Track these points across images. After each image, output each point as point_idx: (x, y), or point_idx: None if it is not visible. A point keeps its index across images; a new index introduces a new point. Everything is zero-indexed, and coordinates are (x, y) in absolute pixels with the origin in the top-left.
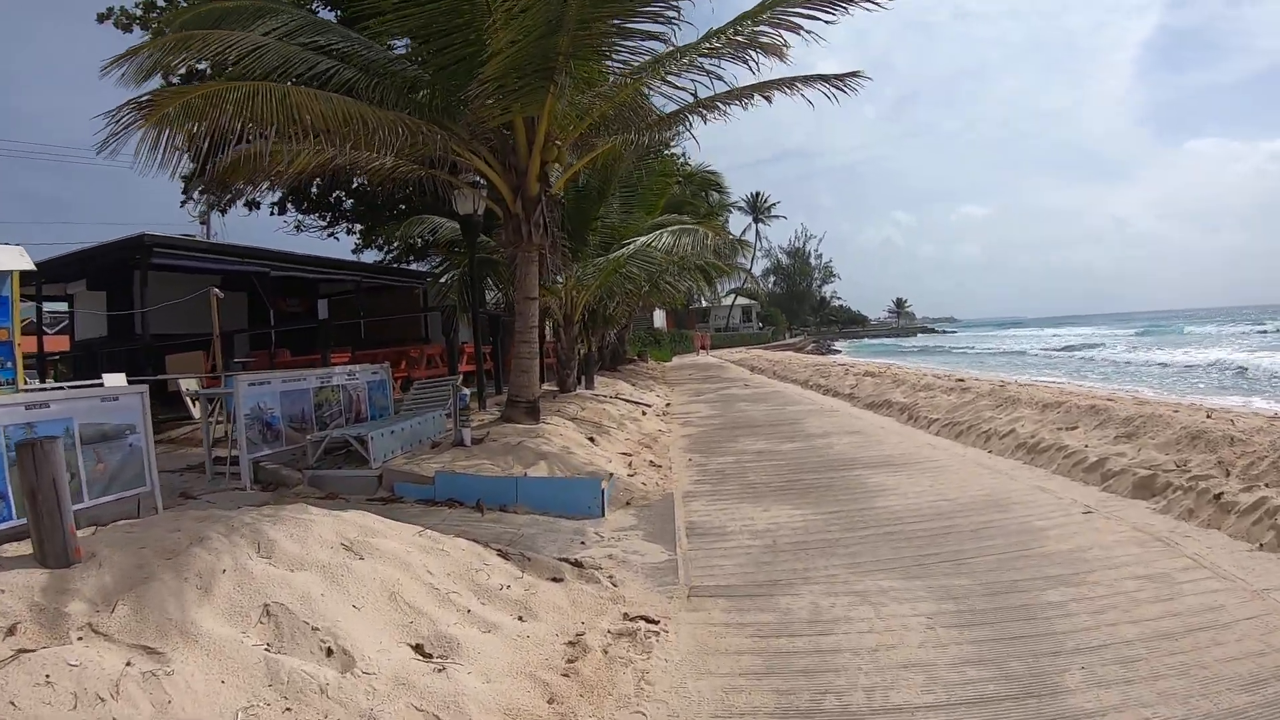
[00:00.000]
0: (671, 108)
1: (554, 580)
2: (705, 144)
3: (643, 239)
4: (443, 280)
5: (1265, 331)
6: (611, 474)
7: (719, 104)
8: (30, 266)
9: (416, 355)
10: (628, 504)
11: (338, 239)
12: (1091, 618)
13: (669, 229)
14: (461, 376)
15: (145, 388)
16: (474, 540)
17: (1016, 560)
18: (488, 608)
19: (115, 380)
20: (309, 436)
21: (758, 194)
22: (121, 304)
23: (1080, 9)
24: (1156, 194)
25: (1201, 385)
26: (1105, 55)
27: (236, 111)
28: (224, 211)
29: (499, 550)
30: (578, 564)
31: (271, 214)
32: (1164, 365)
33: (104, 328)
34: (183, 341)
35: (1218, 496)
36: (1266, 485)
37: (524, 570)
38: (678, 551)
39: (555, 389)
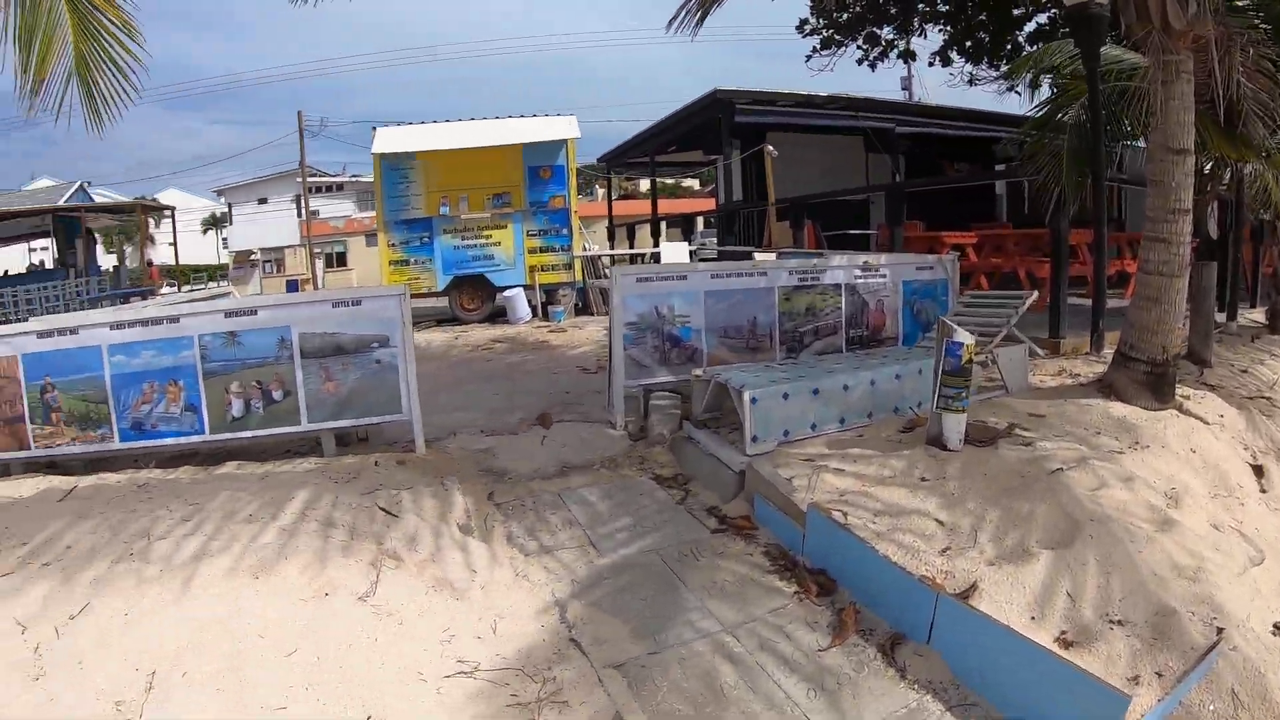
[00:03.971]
0: None
1: None
2: None
3: None
4: (1036, 130)
5: None
6: (1220, 632)
7: None
8: (578, 134)
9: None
10: None
11: (1018, 94)
12: None
13: None
14: (1033, 293)
15: (403, 289)
16: None
17: None
18: None
19: (674, 251)
20: (696, 372)
21: None
22: (750, 164)
23: None
24: None
25: None
26: None
27: None
28: (873, 66)
29: None
30: None
31: (931, 65)
32: None
33: (740, 191)
34: (806, 203)
35: None
36: None
37: None
38: None
39: (1264, 322)
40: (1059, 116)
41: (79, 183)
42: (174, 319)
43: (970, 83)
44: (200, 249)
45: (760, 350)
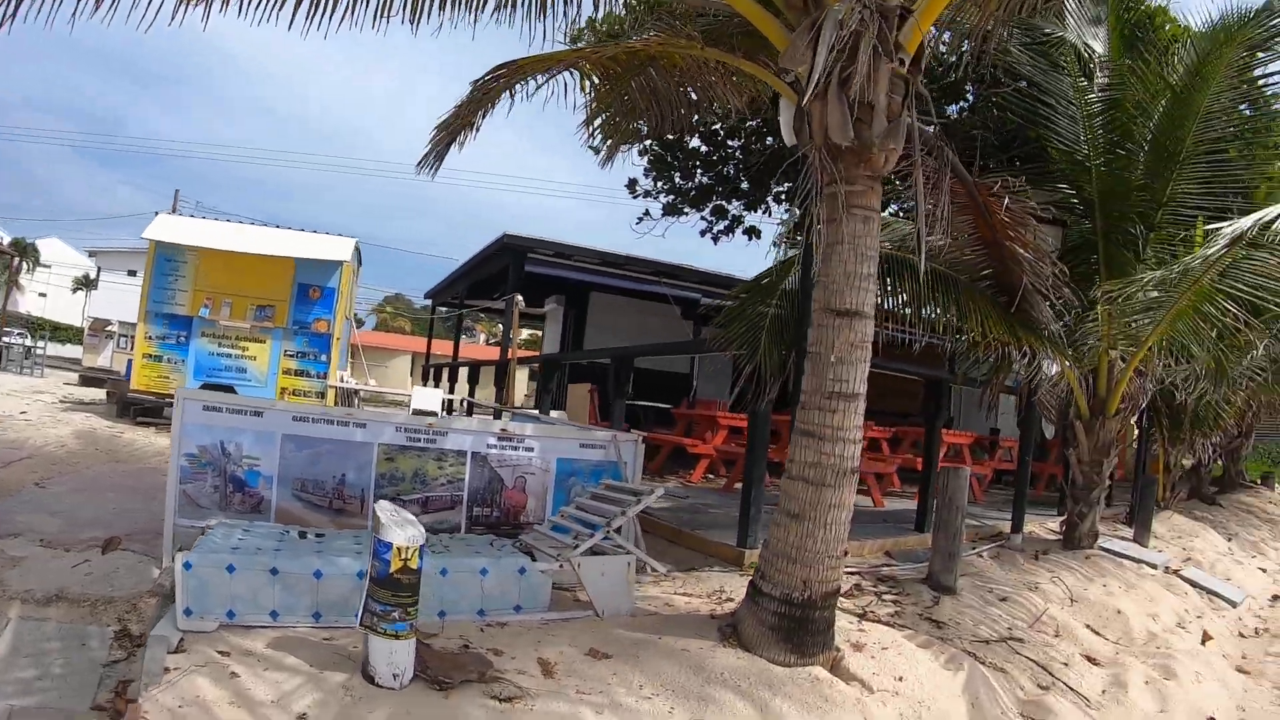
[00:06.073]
0: None
1: None
2: None
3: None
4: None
5: None
6: None
7: None
8: (348, 258)
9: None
10: None
11: None
12: None
13: None
14: (657, 490)
15: None
16: None
17: None
18: None
19: (425, 396)
20: (209, 522)
21: None
22: (570, 319)
23: None
24: None
25: None
26: None
27: None
28: (716, 240)
29: None
30: None
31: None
32: None
33: (558, 344)
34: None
35: None
36: None
37: None
38: None
39: (1058, 534)
40: (784, 284)
41: None
42: None
43: None
44: (71, 307)
45: (347, 513)
